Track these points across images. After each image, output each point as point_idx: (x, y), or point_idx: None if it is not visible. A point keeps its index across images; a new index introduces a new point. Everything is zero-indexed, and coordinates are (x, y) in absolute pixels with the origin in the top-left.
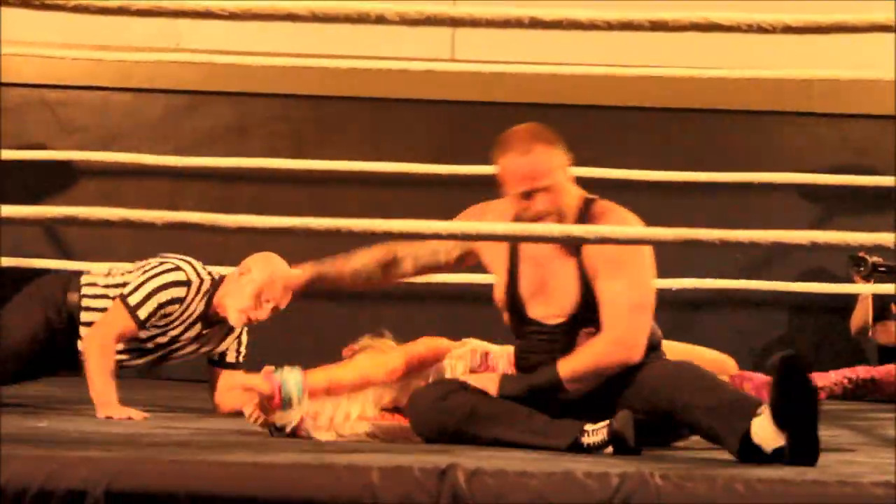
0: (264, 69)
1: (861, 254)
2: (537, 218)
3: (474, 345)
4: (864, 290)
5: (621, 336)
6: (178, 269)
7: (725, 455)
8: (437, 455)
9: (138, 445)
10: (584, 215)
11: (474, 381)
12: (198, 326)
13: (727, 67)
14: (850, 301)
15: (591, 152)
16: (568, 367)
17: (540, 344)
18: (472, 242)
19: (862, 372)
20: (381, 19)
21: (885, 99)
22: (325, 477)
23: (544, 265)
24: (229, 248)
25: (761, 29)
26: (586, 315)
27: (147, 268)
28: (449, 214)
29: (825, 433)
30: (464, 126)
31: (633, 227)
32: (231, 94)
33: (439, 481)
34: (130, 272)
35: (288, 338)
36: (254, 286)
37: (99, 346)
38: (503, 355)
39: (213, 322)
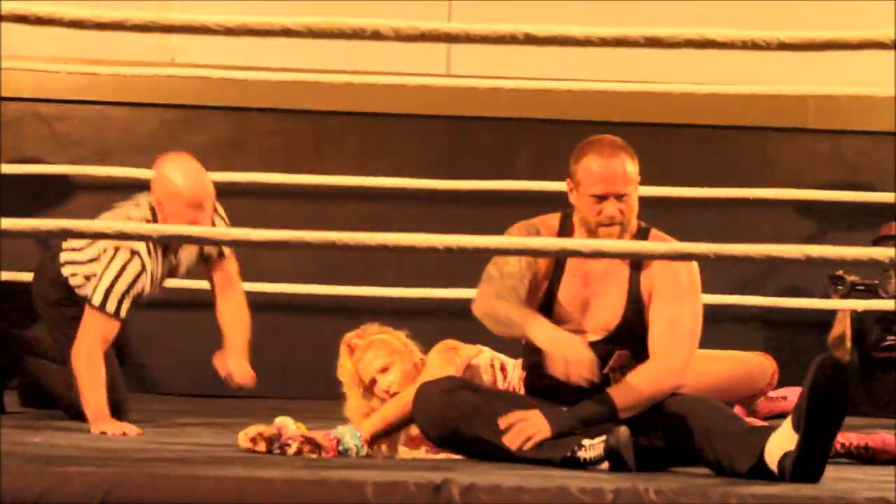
0: (259, 84)
1: (839, 272)
2: (606, 224)
3: (490, 354)
4: (858, 305)
5: (680, 364)
6: (118, 249)
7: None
8: (432, 470)
9: (133, 460)
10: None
11: (520, 417)
12: (169, 260)
13: (722, 83)
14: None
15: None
16: (624, 396)
17: None
18: (534, 264)
19: (854, 439)
20: (376, 35)
21: (880, 115)
22: (320, 492)
23: (592, 281)
24: None
25: (756, 45)
26: (624, 335)
27: (100, 260)
28: (444, 228)
29: None
30: (459, 141)
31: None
32: (226, 108)
33: (434, 496)
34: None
35: (294, 351)
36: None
37: (85, 359)
38: (517, 366)
39: (176, 247)
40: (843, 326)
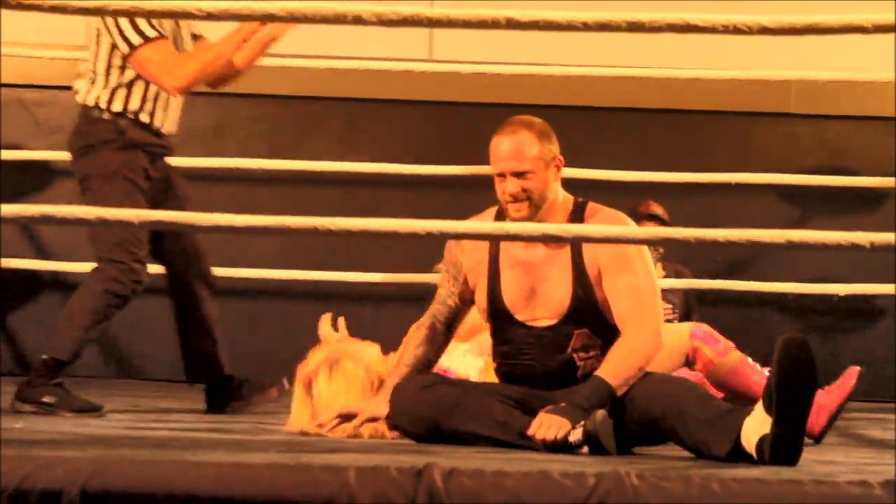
0: None
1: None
2: (510, 201)
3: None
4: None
5: (654, 328)
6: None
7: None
8: (414, 455)
9: (115, 445)
10: (577, 218)
11: (540, 421)
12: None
13: (705, 68)
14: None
15: (569, 153)
16: (616, 375)
17: (529, 347)
18: (458, 268)
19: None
20: (358, 20)
21: (863, 99)
22: (302, 477)
23: (533, 269)
24: (207, 246)
25: (737, 30)
26: (578, 316)
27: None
28: (426, 214)
29: None
30: (441, 126)
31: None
32: (208, 94)
33: (416, 481)
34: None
35: (277, 337)
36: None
37: (197, 68)
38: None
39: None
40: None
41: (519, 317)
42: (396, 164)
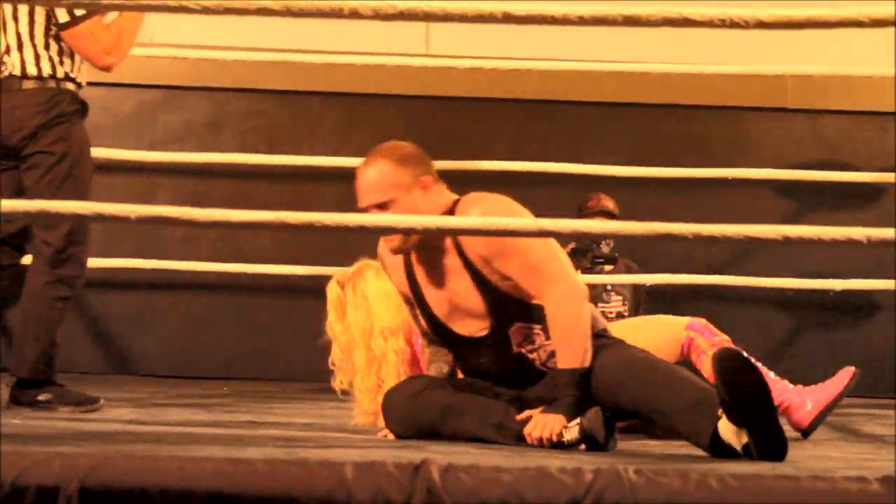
0: (238, 64)
1: (575, 246)
2: (381, 234)
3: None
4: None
5: (570, 287)
6: None
7: (700, 451)
8: (411, 450)
9: (112, 441)
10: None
11: (535, 422)
12: None
13: (701, 63)
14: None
15: (566, 148)
16: (571, 357)
17: (479, 356)
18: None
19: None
20: (354, 14)
21: (859, 94)
22: (299, 472)
23: (443, 284)
24: (203, 242)
25: (734, 24)
26: (501, 316)
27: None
28: None
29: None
30: (438, 121)
31: (517, 212)
32: (205, 88)
33: (413, 476)
34: None
35: (274, 333)
36: None
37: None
38: None
39: None
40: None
41: (457, 330)
42: None
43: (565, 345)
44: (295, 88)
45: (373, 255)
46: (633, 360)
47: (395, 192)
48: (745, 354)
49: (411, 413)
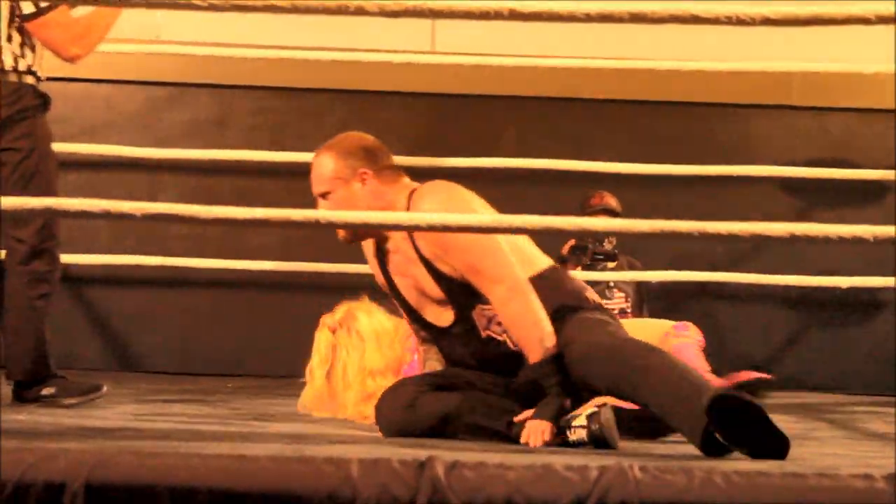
0: (244, 61)
1: (575, 242)
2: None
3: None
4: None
5: (506, 287)
6: None
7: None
8: (417, 448)
9: (117, 438)
10: (406, 209)
11: (528, 431)
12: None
13: (707, 60)
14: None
15: (571, 145)
16: (532, 352)
17: (453, 344)
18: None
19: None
20: (360, 11)
21: (865, 91)
22: (305, 469)
23: (407, 274)
24: (208, 239)
25: (740, 21)
26: (461, 303)
27: None
28: None
29: (803, 426)
30: (443, 118)
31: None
32: (211, 86)
33: (418, 474)
34: None
35: (280, 329)
36: None
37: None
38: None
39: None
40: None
41: (429, 318)
42: (398, 156)
43: (522, 342)
44: (300, 86)
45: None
46: (610, 343)
47: (334, 184)
48: (742, 394)
49: (408, 427)
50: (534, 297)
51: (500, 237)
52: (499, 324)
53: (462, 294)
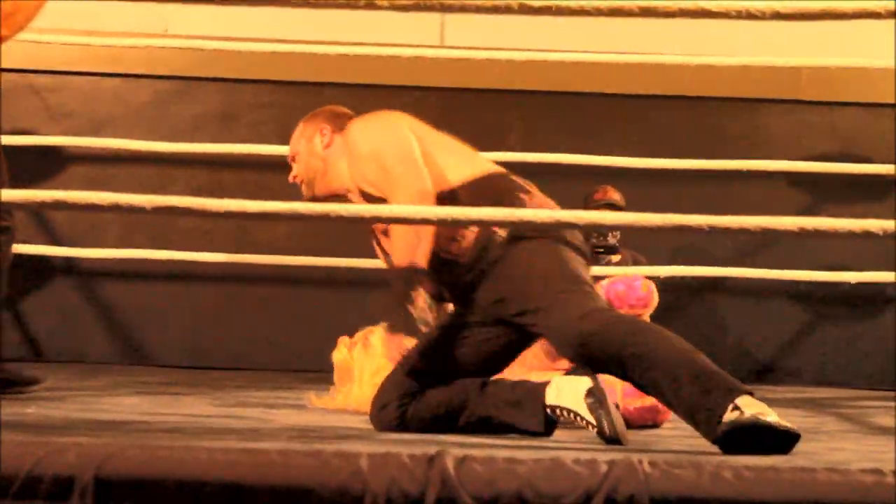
0: (252, 55)
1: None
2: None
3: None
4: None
5: (412, 193)
6: None
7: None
8: (426, 442)
9: (127, 431)
10: None
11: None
12: None
13: (716, 54)
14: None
15: (579, 139)
16: (403, 258)
17: (429, 278)
18: None
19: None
20: (370, 5)
21: (874, 86)
22: (314, 463)
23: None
24: (217, 232)
25: (750, 15)
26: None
27: None
28: None
29: (812, 420)
30: (452, 112)
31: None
32: (219, 79)
33: (428, 468)
34: None
35: (289, 323)
36: None
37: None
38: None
39: None
40: None
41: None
42: None
43: (394, 247)
44: (308, 79)
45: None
46: (599, 316)
47: (297, 145)
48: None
49: (402, 429)
50: (429, 199)
51: (416, 149)
52: (453, 239)
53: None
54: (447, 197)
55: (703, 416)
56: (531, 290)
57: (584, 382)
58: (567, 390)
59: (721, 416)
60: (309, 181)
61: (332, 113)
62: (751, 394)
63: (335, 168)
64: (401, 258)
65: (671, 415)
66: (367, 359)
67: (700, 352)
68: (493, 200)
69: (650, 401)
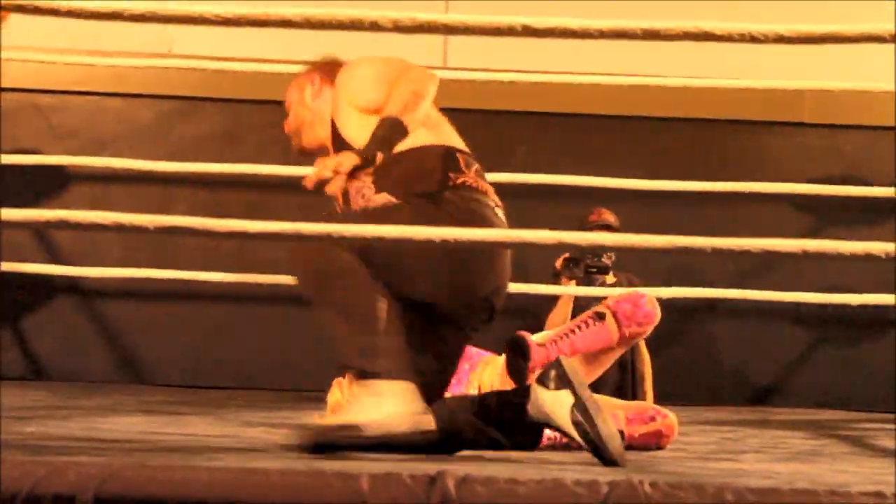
0: (256, 75)
1: (568, 255)
2: None
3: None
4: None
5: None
6: None
7: (715, 464)
8: (427, 462)
9: (128, 450)
10: None
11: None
12: None
13: (719, 77)
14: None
15: (582, 161)
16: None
17: None
18: None
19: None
20: (374, 26)
21: (877, 110)
22: (315, 483)
23: None
24: (220, 252)
25: (753, 38)
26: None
27: None
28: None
29: (813, 443)
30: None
31: None
32: (223, 100)
33: (429, 488)
34: None
35: (290, 343)
36: None
37: None
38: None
39: None
40: (567, 309)
41: None
42: None
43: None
44: None
45: None
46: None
47: (291, 94)
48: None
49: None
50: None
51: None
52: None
53: None
54: (394, 160)
55: None
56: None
57: (566, 397)
58: (550, 405)
59: None
60: (296, 130)
61: (326, 64)
62: None
63: (322, 118)
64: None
65: (674, 436)
66: None
67: None
68: (423, 170)
69: (655, 426)
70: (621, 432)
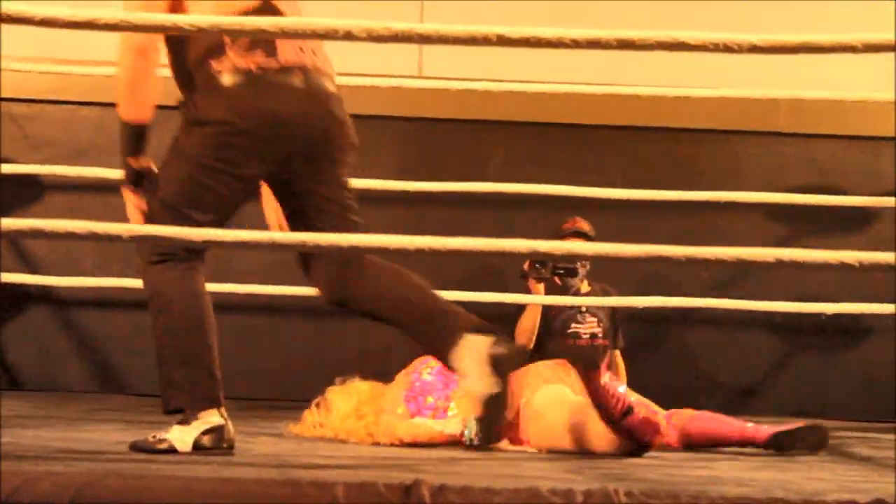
0: None
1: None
2: None
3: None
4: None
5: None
6: None
7: (691, 472)
8: (403, 471)
9: (103, 460)
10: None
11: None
12: None
13: (695, 86)
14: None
15: (557, 170)
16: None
17: None
18: None
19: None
20: (348, 35)
21: (851, 119)
22: (290, 493)
23: None
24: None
25: (728, 48)
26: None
27: None
28: (416, 230)
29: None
30: (431, 142)
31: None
32: None
33: (404, 497)
34: None
35: (264, 353)
36: None
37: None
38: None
39: None
40: (535, 313)
41: None
42: (385, 181)
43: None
44: None
45: None
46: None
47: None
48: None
49: None
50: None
51: None
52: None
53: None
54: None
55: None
56: None
57: (491, 386)
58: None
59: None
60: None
61: None
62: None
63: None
64: None
65: (661, 439)
66: (328, 419)
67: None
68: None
69: (656, 417)
70: (630, 406)
